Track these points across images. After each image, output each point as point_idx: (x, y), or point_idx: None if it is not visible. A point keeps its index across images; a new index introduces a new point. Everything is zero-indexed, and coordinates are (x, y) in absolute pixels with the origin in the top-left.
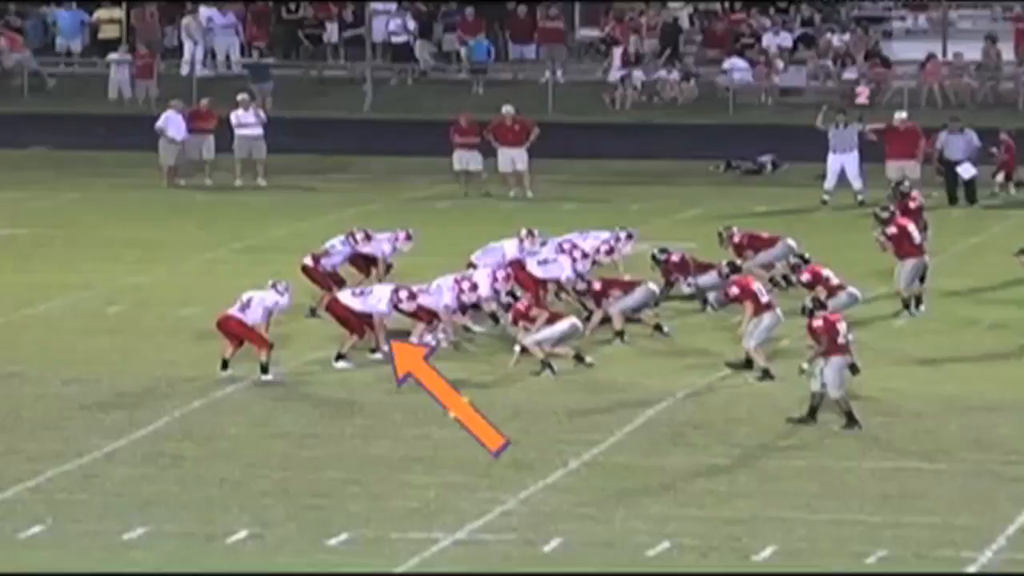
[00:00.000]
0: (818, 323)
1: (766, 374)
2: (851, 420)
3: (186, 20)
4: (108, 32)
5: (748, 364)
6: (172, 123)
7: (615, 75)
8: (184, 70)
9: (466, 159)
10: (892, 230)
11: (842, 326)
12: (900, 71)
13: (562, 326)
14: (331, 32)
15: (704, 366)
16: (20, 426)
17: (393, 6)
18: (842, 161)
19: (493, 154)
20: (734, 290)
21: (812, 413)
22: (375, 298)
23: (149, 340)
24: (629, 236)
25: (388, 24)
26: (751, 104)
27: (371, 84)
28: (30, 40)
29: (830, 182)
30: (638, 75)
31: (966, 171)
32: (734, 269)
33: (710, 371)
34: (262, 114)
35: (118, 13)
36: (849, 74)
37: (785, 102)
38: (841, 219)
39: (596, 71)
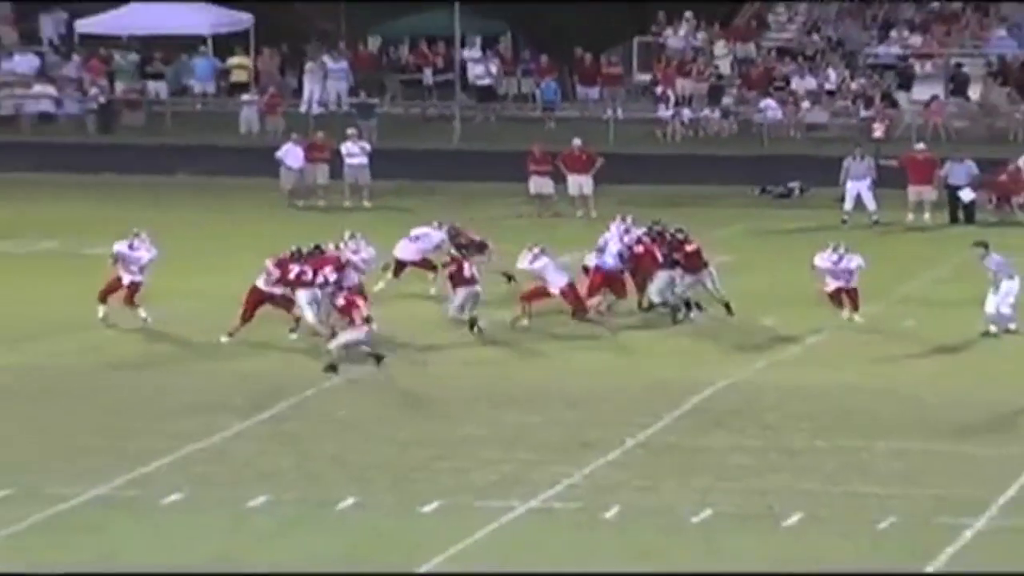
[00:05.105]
0: None
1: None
2: None
3: (308, 65)
4: (238, 76)
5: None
6: (291, 153)
7: (666, 113)
8: (303, 108)
9: (540, 184)
10: (639, 248)
11: None
12: (908, 111)
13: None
14: (427, 76)
15: (740, 361)
16: (162, 408)
17: (479, 53)
18: (858, 187)
19: (563, 180)
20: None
21: None
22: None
23: (276, 335)
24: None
25: (475, 68)
26: (782, 138)
27: (460, 120)
28: (171, 82)
29: (848, 205)
30: (686, 113)
31: (966, 195)
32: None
33: (746, 365)
34: (367, 146)
35: (247, 60)
36: (865, 113)
37: (811, 136)
38: (857, 236)
39: (650, 110)
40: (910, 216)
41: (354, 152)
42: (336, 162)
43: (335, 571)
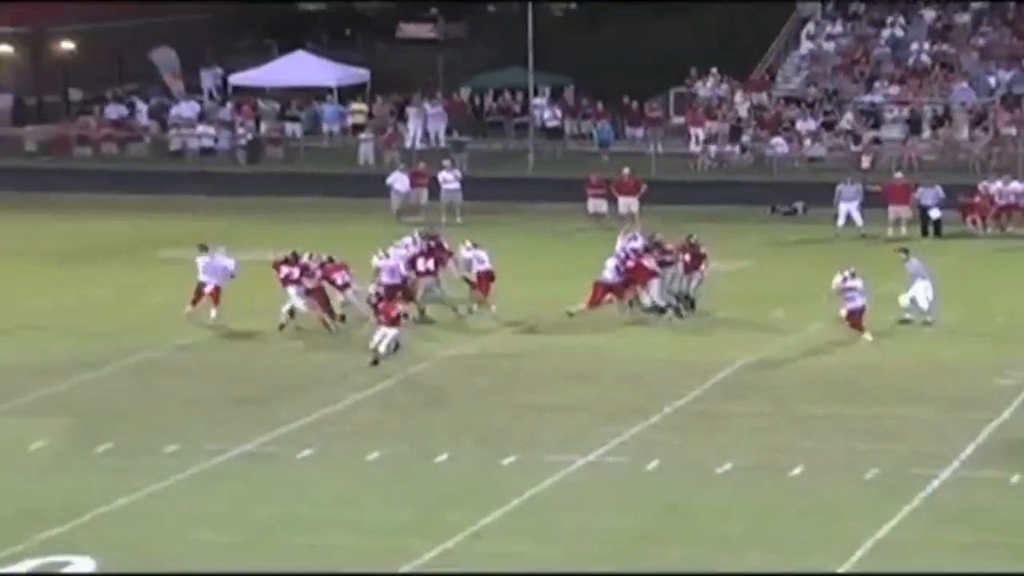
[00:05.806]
0: None
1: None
2: None
3: (412, 109)
4: (357, 119)
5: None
6: (399, 180)
7: (696, 149)
8: (408, 144)
9: (596, 205)
10: (631, 263)
11: None
12: (889, 146)
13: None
14: (507, 119)
15: (755, 345)
16: (291, 383)
17: (547, 101)
18: (848, 207)
19: (615, 201)
20: None
21: None
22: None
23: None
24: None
25: (544, 113)
26: (789, 168)
27: (533, 154)
28: (305, 124)
29: (840, 221)
30: (712, 149)
31: (934, 214)
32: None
33: (760, 349)
34: (459, 174)
35: (364, 106)
36: (855, 148)
37: (812, 167)
38: (847, 246)
39: (683, 146)
40: (890, 231)
41: (449, 179)
42: (434, 187)
43: (422, 518)
